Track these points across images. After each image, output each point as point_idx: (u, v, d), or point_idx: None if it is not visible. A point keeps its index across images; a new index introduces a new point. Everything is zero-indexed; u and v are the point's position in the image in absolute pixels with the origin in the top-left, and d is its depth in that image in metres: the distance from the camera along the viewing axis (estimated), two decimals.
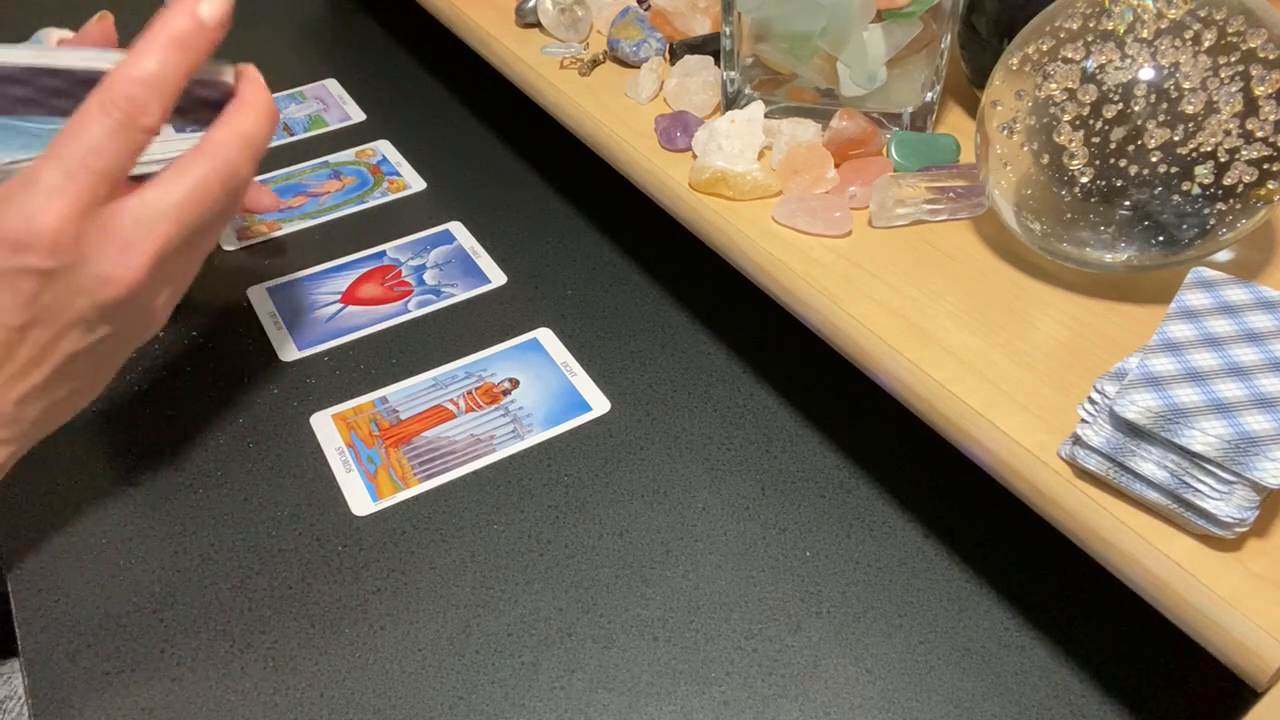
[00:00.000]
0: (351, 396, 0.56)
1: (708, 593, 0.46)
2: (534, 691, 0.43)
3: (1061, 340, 0.43)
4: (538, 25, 0.66)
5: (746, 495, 0.51)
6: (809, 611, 0.46)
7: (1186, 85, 0.39)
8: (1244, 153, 0.39)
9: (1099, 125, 0.40)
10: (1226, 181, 0.39)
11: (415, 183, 0.72)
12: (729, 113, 0.53)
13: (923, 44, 0.51)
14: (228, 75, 0.42)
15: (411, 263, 0.65)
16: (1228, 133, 0.38)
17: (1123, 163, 0.40)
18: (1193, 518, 0.35)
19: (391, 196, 0.71)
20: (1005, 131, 0.43)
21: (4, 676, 0.51)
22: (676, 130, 0.55)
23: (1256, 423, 0.33)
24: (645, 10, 0.63)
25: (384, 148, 0.76)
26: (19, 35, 0.55)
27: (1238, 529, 0.34)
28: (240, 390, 0.56)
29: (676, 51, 0.60)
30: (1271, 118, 0.38)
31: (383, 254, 0.66)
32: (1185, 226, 0.41)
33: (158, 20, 0.38)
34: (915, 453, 0.52)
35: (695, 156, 0.53)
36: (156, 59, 0.37)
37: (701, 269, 0.64)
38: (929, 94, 0.53)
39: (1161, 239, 0.41)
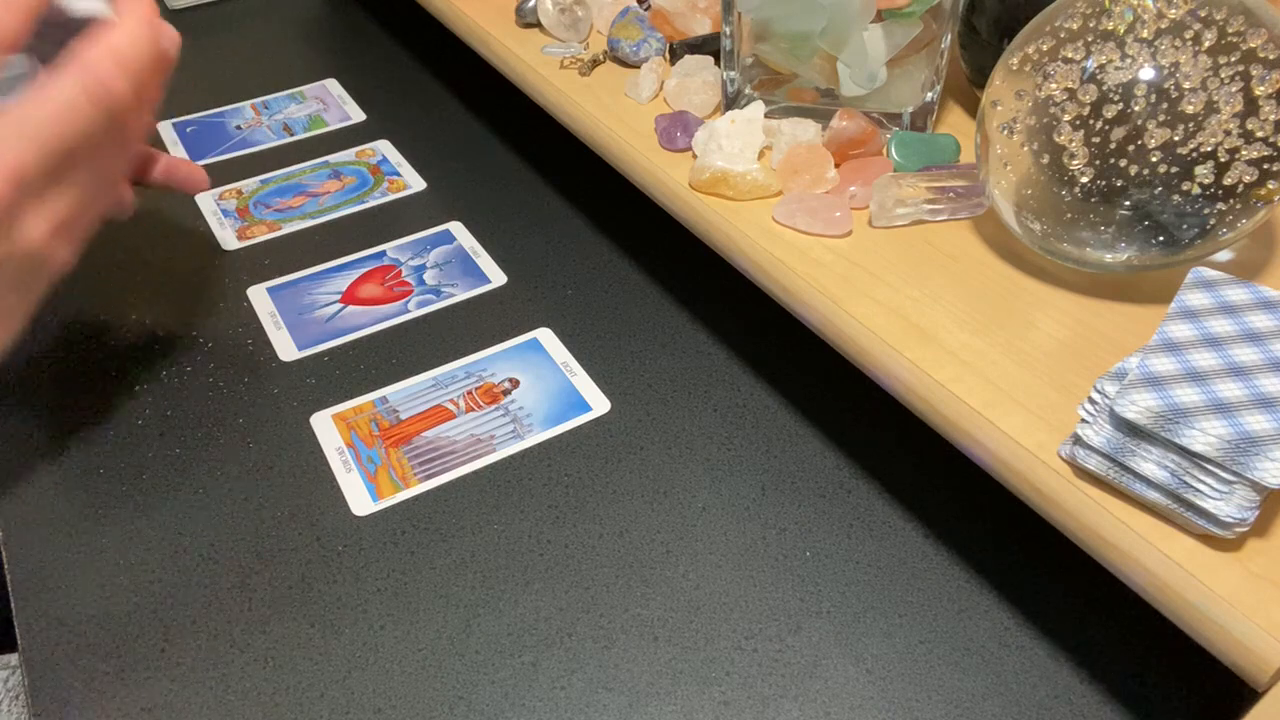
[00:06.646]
0: (351, 396, 0.56)
1: (708, 593, 0.46)
2: (534, 691, 0.43)
3: (1061, 340, 0.43)
4: (538, 25, 0.66)
5: (746, 495, 0.51)
6: (809, 611, 0.46)
7: (1186, 85, 0.39)
8: (1244, 153, 0.39)
9: (1099, 125, 0.40)
10: (1226, 181, 0.39)
11: (415, 183, 0.72)
12: (729, 113, 0.53)
13: (923, 44, 0.51)
14: (105, 11, 0.42)
15: (411, 263, 0.65)
16: (1228, 133, 0.38)
17: (1123, 163, 0.40)
18: (1193, 518, 0.35)
19: (391, 196, 0.71)
20: (1005, 131, 0.43)
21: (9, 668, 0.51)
22: (676, 130, 0.55)
23: (1256, 423, 0.33)
24: (645, 10, 0.63)
25: (384, 148, 0.76)
26: None
27: (1238, 529, 0.34)
28: (240, 390, 0.56)
29: (676, 51, 0.60)
30: (1271, 118, 0.38)
31: (383, 254, 0.66)
32: (1185, 226, 0.41)
33: None
34: (915, 453, 0.52)
35: (695, 156, 0.53)
36: None
37: (701, 269, 0.64)
38: (929, 94, 0.53)
39: (1161, 239, 0.41)
